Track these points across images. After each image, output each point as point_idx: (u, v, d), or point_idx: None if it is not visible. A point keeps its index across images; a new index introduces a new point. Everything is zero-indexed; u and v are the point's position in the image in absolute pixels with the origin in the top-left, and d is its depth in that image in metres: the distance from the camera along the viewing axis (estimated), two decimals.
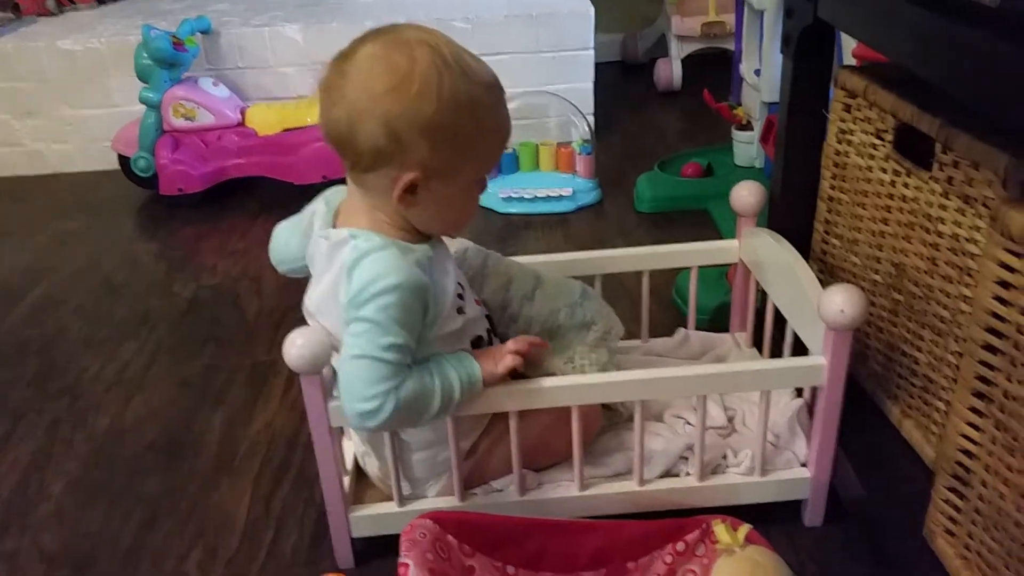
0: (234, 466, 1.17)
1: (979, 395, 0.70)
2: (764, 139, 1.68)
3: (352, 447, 1.02)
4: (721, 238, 1.62)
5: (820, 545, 0.96)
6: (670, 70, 2.51)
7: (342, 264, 0.84)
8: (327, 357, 0.85)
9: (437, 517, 0.83)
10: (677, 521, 0.90)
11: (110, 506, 1.12)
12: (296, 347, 0.84)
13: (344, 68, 0.81)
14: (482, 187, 0.89)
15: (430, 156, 0.81)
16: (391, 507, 0.96)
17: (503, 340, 0.95)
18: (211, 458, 1.19)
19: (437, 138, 0.80)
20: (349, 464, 1.01)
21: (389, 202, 0.84)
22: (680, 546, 0.89)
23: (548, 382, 0.90)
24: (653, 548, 0.89)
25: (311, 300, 0.90)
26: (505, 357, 0.88)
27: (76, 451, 1.23)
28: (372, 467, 0.98)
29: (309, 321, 0.91)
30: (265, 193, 2.03)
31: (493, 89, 0.83)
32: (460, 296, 0.90)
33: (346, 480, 0.98)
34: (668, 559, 0.89)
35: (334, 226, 0.89)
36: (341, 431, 1.00)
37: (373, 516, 0.96)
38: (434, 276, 0.85)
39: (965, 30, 0.69)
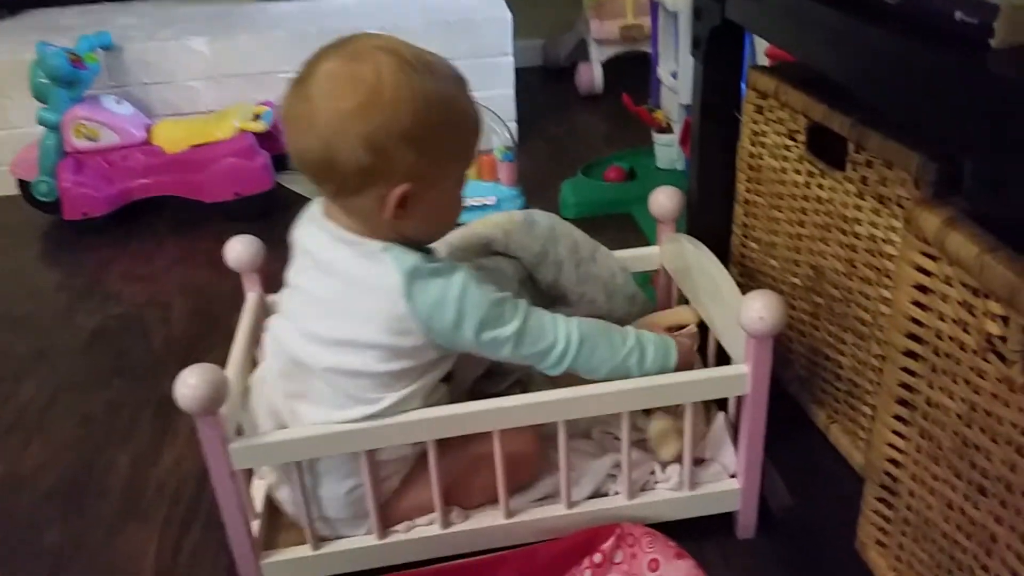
0: (140, 510, 1.10)
1: (903, 402, 0.68)
2: (683, 141, 1.67)
3: (264, 486, 0.96)
4: (646, 241, 1.60)
5: (754, 558, 0.94)
6: (591, 74, 2.49)
7: (389, 288, 0.81)
8: (223, 395, 0.79)
9: None
10: (590, 531, 0.87)
11: (7, 563, 1.03)
12: (189, 386, 0.78)
13: (306, 92, 0.78)
14: (464, 182, 0.88)
15: (417, 164, 0.79)
16: (305, 551, 0.90)
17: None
18: (116, 502, 1.12)
19: (421, 143, 0.78)
20: (260, 505, 0.95)
21: (380, 221, 0.82)
22: (597, 557, 0.87)
23: (465, 407, 0.86)
24: (570, 565, 0.88)
25: (317, 292, 0.86)
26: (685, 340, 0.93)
27: None
28: (286, 500, 0.92)
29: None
30: (174, 213, 1.94)
31: (460, 81, 0.82)
32: None
33: (256, 524, 0.92)
34: (588, 574, 0.86)
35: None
36: (251, 472, 0.94)
37: (286, 562, 0.90)
38: None
39: (871, 30, 0.67)
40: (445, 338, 0.83)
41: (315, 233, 0.86)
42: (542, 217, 1.04)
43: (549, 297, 1.06)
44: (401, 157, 0.78)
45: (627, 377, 0.87)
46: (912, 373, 0.66)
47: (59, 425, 1.28)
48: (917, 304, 0.64)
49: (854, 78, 0.74)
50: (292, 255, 0.90)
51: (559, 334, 0.86)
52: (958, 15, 0.56)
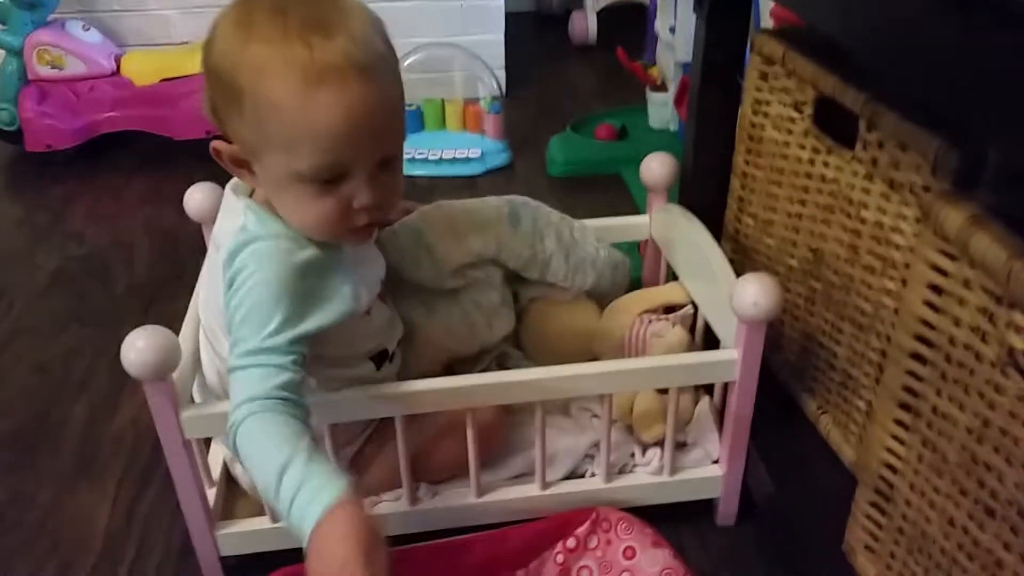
0: (94, 468, 1.05)
1: (905, 407, 0.64)
2: (679, 101, 1.60)
3: (222, 451, 0.91)
4: (634, 204, 1.55)
5: (733, 546, 0.91)
6: (585, 23, 2.40)
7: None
8: (174, 361, 0.74)
9: (291, 574, 0.74)
10: (563, 516, 0.84)
11: None
12: (136, 351, 0.72)
13: None
14: (340, 200, 0.70)
15: (226, 116, 0.70)
16: (264, 523, 0.85)
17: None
18: (68, 458, 1.06)
19: (220, 94, 0.69)
20: (217, 472, 0.90)
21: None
22: (571, 542, 0.83)
23: (436, 383, 0.81)
24: (542, 549, 0.84)
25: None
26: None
27: None
28: (241, 477, 0.88)
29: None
30: (142, 149, 1.85)
31: (322, 70, 0.65)
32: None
33: (212, 493, 0.87)
34: (560, 558, 0.83)
35: None
36: (208, 439, 0.89)
37: (244, 533, 0.85)
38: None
39: None
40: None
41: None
42: (524, 209, 0.97)
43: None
44: (210, 98, 0.71)
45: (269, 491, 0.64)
46: (918, 378, 0.62)
47: (13, 371, 1.22)
48: (930, 305, 0.60)
49: (867, 47, 0.67)
50: None
51: (238, 410, 0.66)
52: None
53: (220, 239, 0.75)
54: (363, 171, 0.70)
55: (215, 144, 0.73)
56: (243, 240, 0.71)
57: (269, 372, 0.67)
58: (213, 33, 0.69)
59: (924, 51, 0.58)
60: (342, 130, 0.66)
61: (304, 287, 0.71)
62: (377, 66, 0.68)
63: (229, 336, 0.70)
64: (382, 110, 0.69)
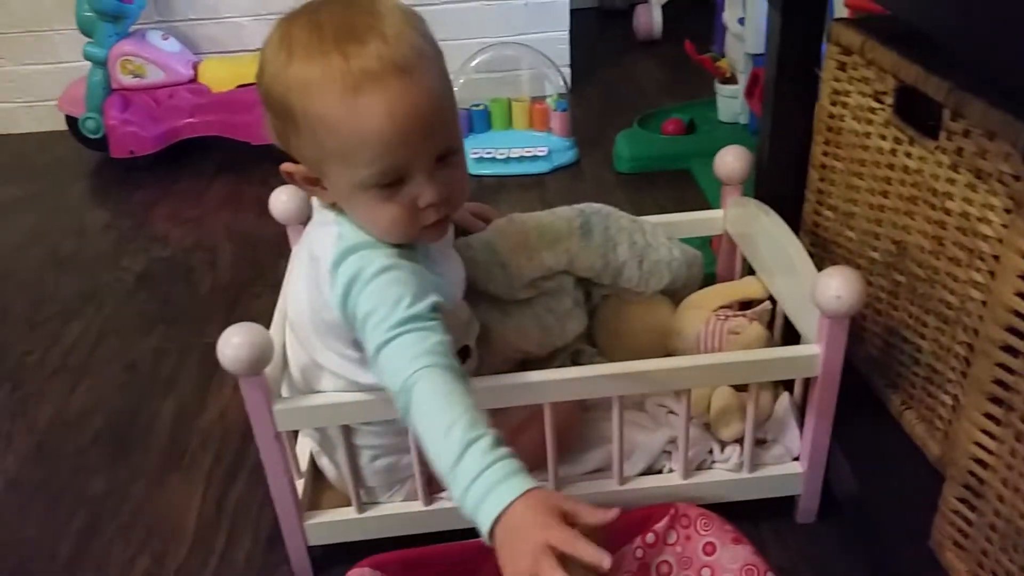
0: (184, 462, 1.09)
1: (996, 400, 0.62)
2: (749, 94, 1.58)
3: (308, 443, 0.94)
4: (704, 200, 1.54)
5: (813, 544, 0.90)
6: (650, 17, 2.39)
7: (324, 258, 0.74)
8: (268, 356, 0.77)
9: (377, 563, 0.76)
10: (644, 510, 0.84)
11: (50, 508, 1.04)
12: (232, 346, 0.75)
13: None
14: (406, 201, 0.71)
15: (287, 138, 0.72)
16: (350, 513, 0.88)
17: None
18: (160, 453, 1.11)
19: (278, 117, 0.71)
20: (304, 464, 0.93)
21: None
22: (650, 537, 0.83)
23: (514, 379, 0.82)
24: (621, 543, 0.84)
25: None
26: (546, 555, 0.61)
27: (16, 446, 1.14)
28: (328, 469, 0.90)
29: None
30: (221, 154, 1.91)
31: (359, 77, 0.66)
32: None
33: (301, 483, 0.90)
34: (639, 553, 0.83)
35: None
36: (295, 432, 0.92)
37: (330, 523, 0.88)
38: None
39: None
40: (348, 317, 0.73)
41: None
42: (596, 218, 0.96)
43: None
44: (269, 121, 0.73)
45: (441, 470, 0.65)
46: (1010, 371, 0.60)
47: (105, 370, 1.28)
48: (1022, 296, 0.58)
49: (950, 33, 0.65)
50: None
51: (408, 366, 0.66)
52: None
53: (316, 249, 0.76)
54: (422, 170, 0.70)
55: (285, 167, 0.75)
56: (345, 248, 0.73)
57: (423, 335, 0.68)
58: (262, 58, 0.71)
59: (1008, 35, 0.57)
60: (390, 133, 0.67)
61: (417, 271, 0.73)
62: (416, 63, 0.68)
63: (363, 331, 0.70)
64: (428, 106, 0.68)
